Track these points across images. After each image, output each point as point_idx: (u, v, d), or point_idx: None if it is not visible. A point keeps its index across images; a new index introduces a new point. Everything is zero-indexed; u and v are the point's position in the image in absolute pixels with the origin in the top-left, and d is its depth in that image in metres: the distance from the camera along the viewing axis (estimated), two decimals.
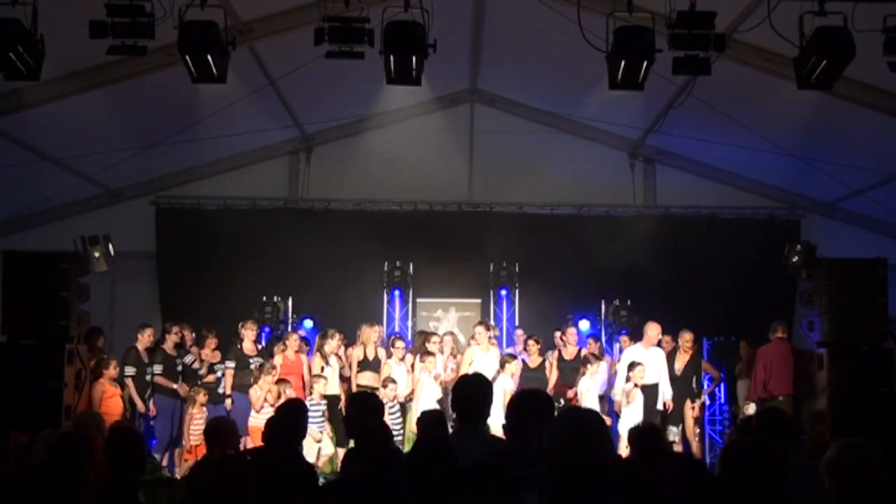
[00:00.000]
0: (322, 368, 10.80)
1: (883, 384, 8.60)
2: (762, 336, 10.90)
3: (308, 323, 13.07)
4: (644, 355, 10.72)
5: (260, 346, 11.37)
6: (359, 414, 4.94)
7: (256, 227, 13.93)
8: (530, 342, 11.28)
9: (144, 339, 10.70)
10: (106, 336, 10.91)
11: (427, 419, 6.24)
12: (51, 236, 12.35)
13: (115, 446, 4.68)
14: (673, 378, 10.79)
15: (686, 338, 10.95)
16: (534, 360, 11.18)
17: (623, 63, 7.20)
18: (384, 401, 8.59)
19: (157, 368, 10.65)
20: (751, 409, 9.96)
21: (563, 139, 14.44)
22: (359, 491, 3.58)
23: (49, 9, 7.01)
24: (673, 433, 10.31)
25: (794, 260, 9.58)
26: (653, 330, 10.90)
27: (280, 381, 10.39)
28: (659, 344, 11.01)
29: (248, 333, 11.09)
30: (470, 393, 4.36)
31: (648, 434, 5.53)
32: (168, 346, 10.88)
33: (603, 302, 13.29)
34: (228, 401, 10.87)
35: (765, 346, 10.49)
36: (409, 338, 12.48)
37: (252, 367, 10.81)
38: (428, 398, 10.33)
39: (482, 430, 4.40)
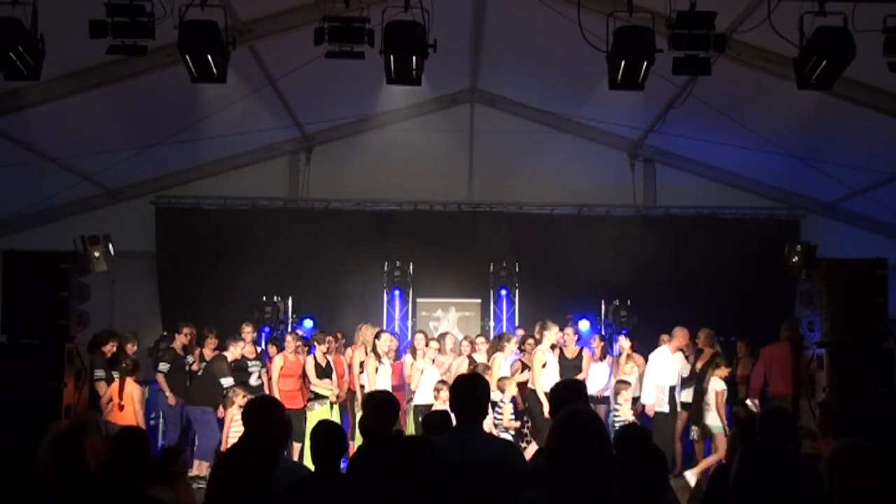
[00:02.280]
0: (377, 369, 10.48)
1: (883, 384, 8.58)
2: (762, 336, 10.89)
3: (308, 323, 13.07)
4: (669, 358, 10.91)
5: (259, 348, 11.36)
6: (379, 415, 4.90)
7: (256, 227, 13.91)
8: (529, 341, 11.26)
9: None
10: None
11: (432, 420, 6.23)
12: (51, 236, 12.32)
13: (122, 443, 4.70)
14: (694, 377, 10.83)
15: (702, 336, 11.08)
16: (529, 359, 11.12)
17: (623, 63, 7.20)
18: None
19: (164, 367, 10.62)
20: (751, 405, 10.00)
21: (563, 139, 14.46)
22: (326, 492, 3.57)
23: (49, 9, 7.00)
24: (694, 431, 10.37)
25: (794, 260, 9.57)
26: (681, 335, 11.03)
27: None
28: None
29: (247, 335, 11.07)
30: (470, 391, 4.37)
31: (635, 435, 5.55)
32: (177, 345, 10.88)
33: (603, 302, 13.26)
34: None
35: (769, 345, 10.50)
36: (409, 338, 12.47)
37: (252, 369, 10.77)
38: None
39: (480, 429, 4.41)
